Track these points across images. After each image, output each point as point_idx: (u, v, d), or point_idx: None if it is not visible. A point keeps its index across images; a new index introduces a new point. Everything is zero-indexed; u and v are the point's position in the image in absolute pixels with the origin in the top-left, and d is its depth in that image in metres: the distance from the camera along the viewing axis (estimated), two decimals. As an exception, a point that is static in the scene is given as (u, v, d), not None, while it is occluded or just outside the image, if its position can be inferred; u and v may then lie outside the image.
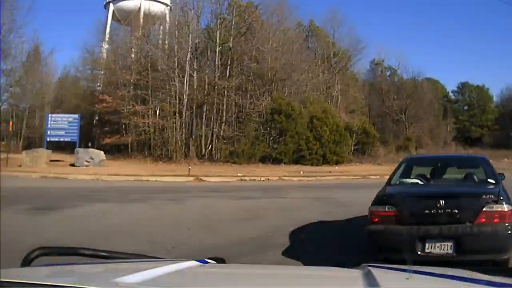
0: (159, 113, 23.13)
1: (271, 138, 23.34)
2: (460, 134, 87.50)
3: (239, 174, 16.15)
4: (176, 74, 22.51)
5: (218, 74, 23.65)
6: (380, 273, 1.33)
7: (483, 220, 3.60)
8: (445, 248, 3.58)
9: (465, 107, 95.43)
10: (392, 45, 70.21)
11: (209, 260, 1.70)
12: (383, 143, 34.08)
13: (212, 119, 23.49)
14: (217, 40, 24.18)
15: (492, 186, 4.13)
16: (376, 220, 3.91)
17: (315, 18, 34.06)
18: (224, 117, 23.82)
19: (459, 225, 3.58)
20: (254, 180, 15.28)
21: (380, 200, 4.04)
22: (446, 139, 57.43)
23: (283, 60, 24.58)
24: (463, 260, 3.46)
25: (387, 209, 3.88)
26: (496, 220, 3.61)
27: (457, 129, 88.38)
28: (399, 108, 48.53)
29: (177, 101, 22.60)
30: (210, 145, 23.32)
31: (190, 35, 23.48)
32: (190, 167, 15.86)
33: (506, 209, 3.60)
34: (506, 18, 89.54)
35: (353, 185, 13.51)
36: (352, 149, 26.53)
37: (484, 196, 3.73)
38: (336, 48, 33.44)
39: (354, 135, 26.25)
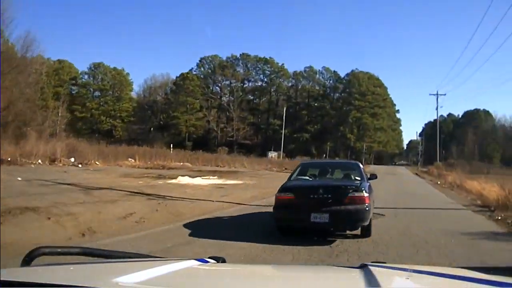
0: None
1: None
2: (88, 125, 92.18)
3: None
4: None
5: None
6: (380, 273, 1.85)
7: (348, 201, 9.05)
8: (323, 218, 8.92)
9: (96, 93, 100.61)
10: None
11: (209, 260, 2.38)
12: None
13: None
14: None
15: (357, 182, 10.13)
16: (279, 201, 9.53)
17: None
18: None
19: (332, 204, 9.02)
20: None
21: (283, 189, 9.80)
22: (56, 129, 60.39)
23: None
24: (337, 226, 9.33)
25: (286, 194, 9.53)
26: (357, 202, 9.07)
27: (82, 118, 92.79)
28: None
29: None
30: None
31: None
32: None
33: (364, 195, 9.19)
34: None
35: None
36: None
37: (349, 186, 9.57)
38: None
39: None
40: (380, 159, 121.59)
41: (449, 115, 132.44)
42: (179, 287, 1.84)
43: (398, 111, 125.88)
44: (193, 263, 2.21)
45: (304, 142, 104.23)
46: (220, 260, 2.44)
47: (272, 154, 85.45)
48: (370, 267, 1.98)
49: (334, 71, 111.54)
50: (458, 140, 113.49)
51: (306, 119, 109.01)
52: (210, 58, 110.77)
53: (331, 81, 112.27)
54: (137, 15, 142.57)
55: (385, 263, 2.40)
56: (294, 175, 11.34)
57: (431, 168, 62.10)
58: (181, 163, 46.30)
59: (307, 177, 11.20)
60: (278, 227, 9.83)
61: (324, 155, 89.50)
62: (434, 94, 74.04)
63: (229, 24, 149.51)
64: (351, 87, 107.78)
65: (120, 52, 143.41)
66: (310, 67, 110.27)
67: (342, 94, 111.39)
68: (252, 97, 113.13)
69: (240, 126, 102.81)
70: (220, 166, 48.91)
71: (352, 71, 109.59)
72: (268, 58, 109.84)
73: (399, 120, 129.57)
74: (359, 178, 10.54)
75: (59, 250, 2.26)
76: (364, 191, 9.35)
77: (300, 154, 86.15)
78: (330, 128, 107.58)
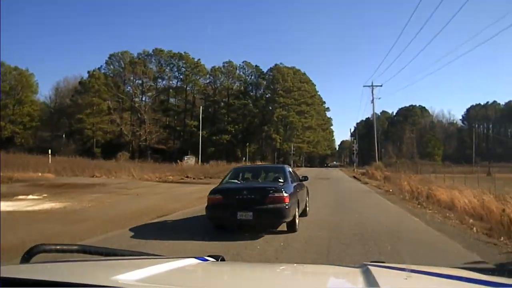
0: None
1: None
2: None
3: None
4: None
5: None
6: (379, 272, 1.85)
7: (268, 201, 9.90)
8: (247, 216, 9.77)
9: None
10: None
11: (208, 258, 2.38)
12: None
13: None
14: None
15: (280, 184, 10.76)
16: (210, 202, 10.48)
17: None
18: None
19: (255, 204, 9.89)
20: None
21: (213, 191, 10.69)
22: None
23: None
24: (260, 223, 9.99)
25: (215, 196, 10.46)
26: (277, 201, 9.87)
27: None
28: None
29: None
30: None
31: None
32: None
33: (284, 195, 9.95)
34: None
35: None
36: None
37: (270, 188, 10.28)
38: None
39: None
40: (311, 161, 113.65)
41: (383, 112, 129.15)
42: (178, 285, 1.78)
43: (328, 109, 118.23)
44: (193, 261, 2.19)
45: (225, 144, 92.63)
46: (219, 258, 2.42)
47: (188, 159, 72.54)
48: (369, 267, 1.97)
49: (256, 66, 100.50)
50: (393, 139, 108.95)
51: (226, 119, 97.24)
52: (120, 54, 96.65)
53: (252, 77, 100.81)
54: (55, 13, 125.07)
55: (384, 262, 2.37)
56: (226, 178, 12.17)
57: (369, 169, 53.75)
58: (40, 174, 35.26)
59: (237, 181, 11.88)
60: (213, 224, 10.82)
61: (244, 159, 78.08)
62: (368, 86, 64.29)
63: (143, 20, 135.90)
64: (275, 83, 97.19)
65: (33, 53, 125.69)
66: (229, 62, 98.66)
67: (265, 91, 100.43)
68: (166, 97, 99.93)
69: (153, 129, 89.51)
70: (96, 176, 36.23)
71: (276, 65, 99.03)
72: (183, 53, 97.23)
73: (329, 119, 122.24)
74: (282, 180, 11.18)
75: (58, 247, 2.20)
76: (283, 192, 10.09)
77: (219, 158, 74.86)
78: (253, 128, 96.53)
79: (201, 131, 77.27)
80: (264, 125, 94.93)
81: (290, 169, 12.78)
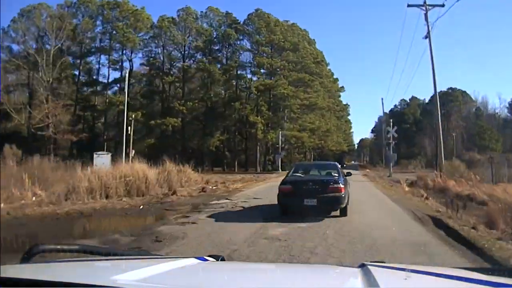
0: None
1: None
2: None
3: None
4: None
5: None
6: (379, 272, 1.84)
7: (329, 190, 12.49)
8: (312, 202, 12.29)
9: None
10: None
11: (208, 258, 2.37)
12: None
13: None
14: None
15: (335, 177, 13.53)
16: (282, 191, 12.98)
17: None
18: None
19: (318, 193, 12.39)
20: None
21: (283, 182, 13.33)
22: None
23: None
24: (322, 208, 12.53)
25: (286, 186, 13.03)
26: (336, 191, 12.52)
27: None
28: None
29: None
30: None
31: None
32: None
33: (341, 186, 12.65)
34: None
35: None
36: None
37: (330, 180, 13.14)
38: None
39: None
40: (323, 160, 78.54)
41: (413, 99, 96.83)
42: (178, 285, 1.78)
43: (342, 88, 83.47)
44: (192, 261, 2.20)
45: (175, 132, 57.06)
46: (219, 258, 2.43)
47: (99, 157, 38.71)
48: (369, 267, 1.97)
49: (227, 12, 64.68)
50: (426, 131, 79.79)
51: (176, 92, 61.26)
52: (33, 8, 62.15)
53: (222, 28, 64.16)
54: None
55: (384, 262, 2.41)
56: (291, 172, 14.59)
57: (423, 175, 28.03)
58: None
59: (300, 174, 14.38)
60: (281, 210, 13.03)
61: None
62: (418, 5, 28.81)
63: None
64: (256, 34, 61.00)
65: None
66: (187, 7, 62.79)
67: (240, 49, 63.89)
68: (92, 63, 64.59)
69: (58, 111, 54.15)
70: None
71: (258, 10, 62.81)
72: (120, 1, 62.20)
73: (346, 106, 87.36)
74: (336, 174, 13.78)
75: (58, 247, 2.18)
76: (340, 183, 12.62)
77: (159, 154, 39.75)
78: (221, 106, 60.37)
79: (127, 109, 42.07)
80: (237, 101, 58.31)
81: (340, 166, 15.52)
